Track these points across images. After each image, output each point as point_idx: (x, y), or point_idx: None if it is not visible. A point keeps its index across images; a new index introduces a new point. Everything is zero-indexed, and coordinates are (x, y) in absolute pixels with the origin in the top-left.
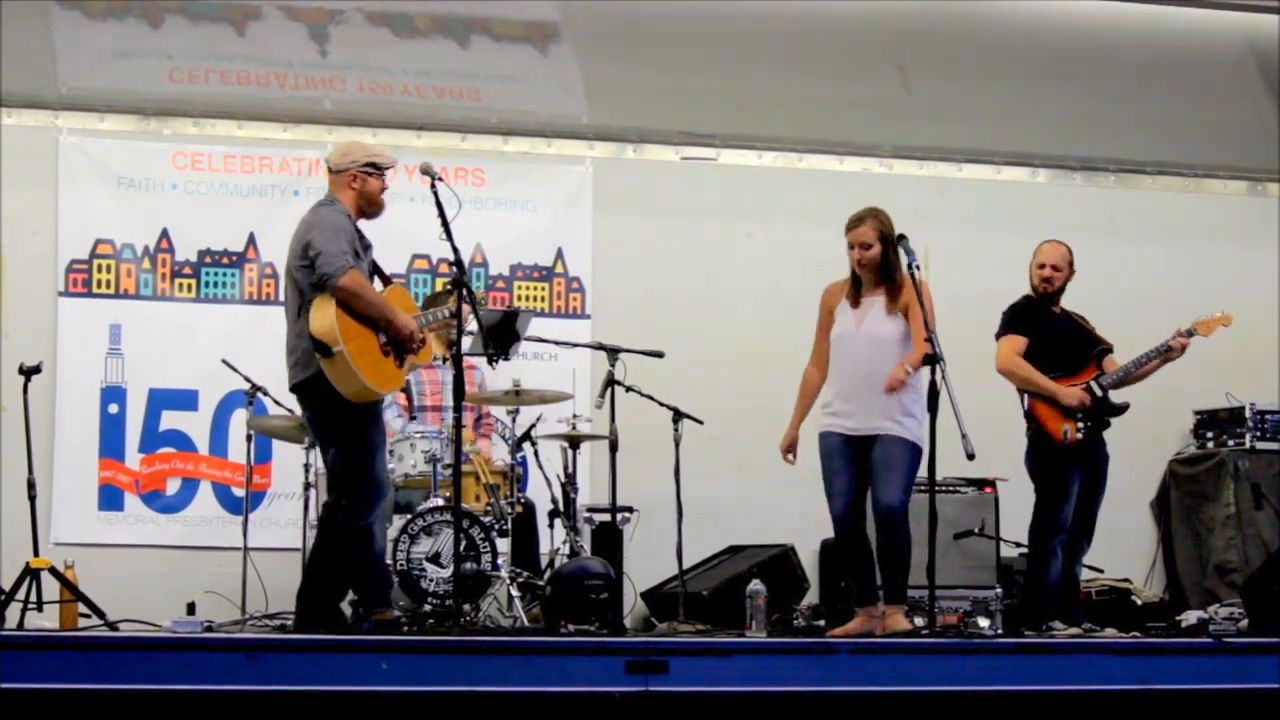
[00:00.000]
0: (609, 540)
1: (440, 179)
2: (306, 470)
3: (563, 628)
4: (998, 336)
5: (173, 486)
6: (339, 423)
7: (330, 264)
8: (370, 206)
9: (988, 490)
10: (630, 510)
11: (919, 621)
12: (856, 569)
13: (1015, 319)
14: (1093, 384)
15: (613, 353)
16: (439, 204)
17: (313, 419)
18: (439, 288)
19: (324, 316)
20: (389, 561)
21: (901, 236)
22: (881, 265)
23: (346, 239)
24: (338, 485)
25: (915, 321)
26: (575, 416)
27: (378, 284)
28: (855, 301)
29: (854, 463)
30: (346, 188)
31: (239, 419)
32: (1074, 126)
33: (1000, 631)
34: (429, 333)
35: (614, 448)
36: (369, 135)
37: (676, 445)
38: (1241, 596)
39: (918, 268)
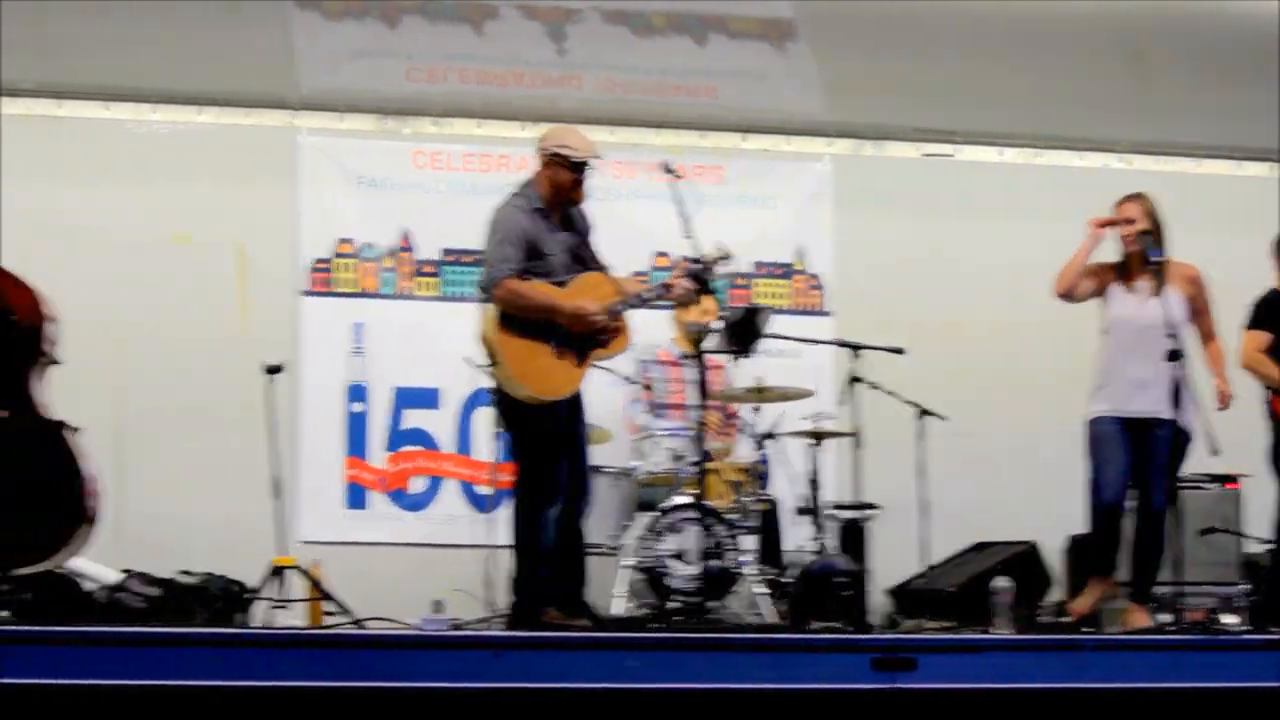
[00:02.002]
0: (853, 537)
1: (680, 176)
2: None
3: (809, 625)
4: (1245, 330)
5: (417, 485)
6: (511, 419)
7: (487, 274)
8: (560, 197)
9: (1232, 486)
10: (874, 507)
11: (1165, 618)
12: (1103, 547)
13: (1261, 314)
14: None
15: (854, 349)
16: (679, 202)
17: (494, 405)
18: (672, 278)
19: (487, 324)
20: (633, 559)
21: (1146, 232)
22: (1147, 248)
23: (515, 238)
24: (516, 477)
25: (1205, 318)
26: (818, 413)
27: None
28: (1128, 285)
29: (1128, 451)
30: (542, 171)
31: (483, 417)
32: None
33: (1247, 627)
34: (624, 320)
35: (857, 444)
36: (607, 133)
37: (920, 442)
38: None
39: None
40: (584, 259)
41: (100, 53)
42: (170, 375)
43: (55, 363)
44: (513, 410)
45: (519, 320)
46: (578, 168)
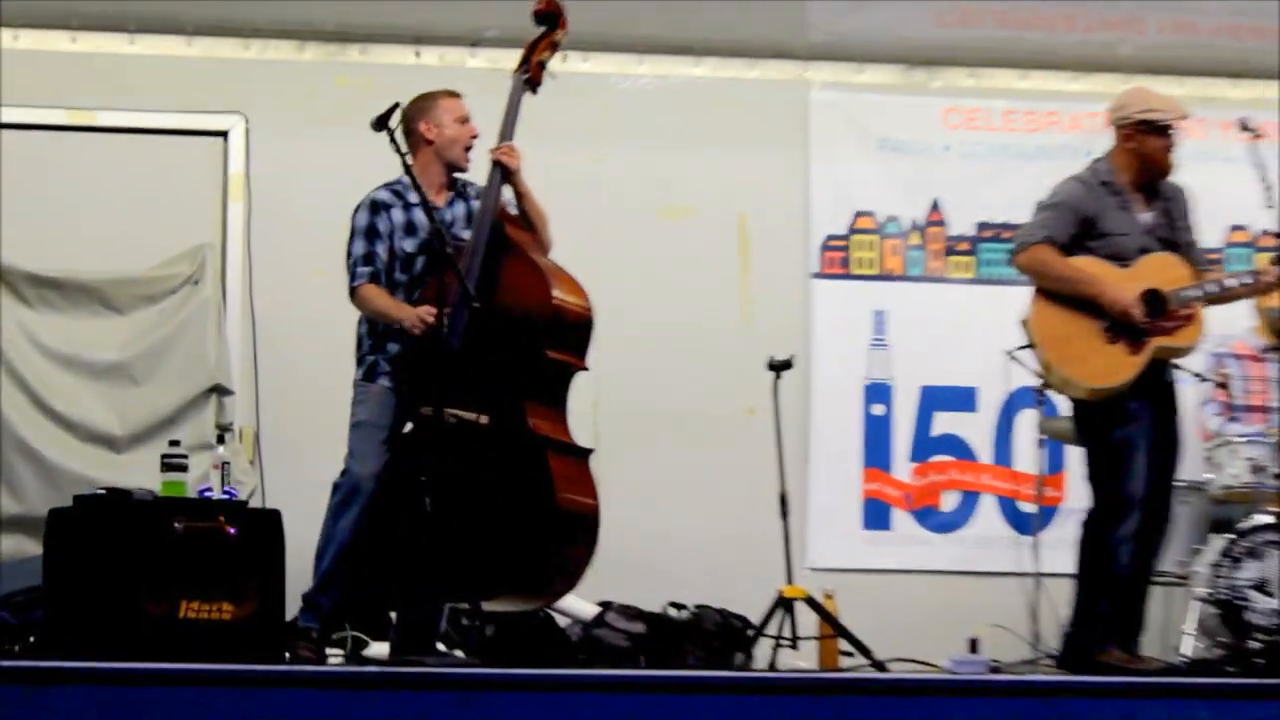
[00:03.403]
0: None
1: (1261, 136)
2: None
3: None
4: None
5: (949, 501)
6: (1081, 418)
7: (1018, 236)
8: (1152, 167)
9: None
10: None
11: None
12: None
13: None
14: None
15: None
16: (1259, 165)
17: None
18: (1262, 264)
19: (1029, 301)
20: (1206, 589)
21: None
22: None
23: (1064, 206)
24: (1089, 490)
25: None
26: None
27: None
28: None
29: None
30: (1121, 145)
31: (1026, 421)
32: None
33: None
34: (1198, 308)
35: None
36: (1174, 85)
37: None
38: None
39: None
40: (1172, 244)
41: None
42: (658, 369)
43: (572, 368)
44: (1079, 405)
45: (1062, 297)
46: (1164, 131)
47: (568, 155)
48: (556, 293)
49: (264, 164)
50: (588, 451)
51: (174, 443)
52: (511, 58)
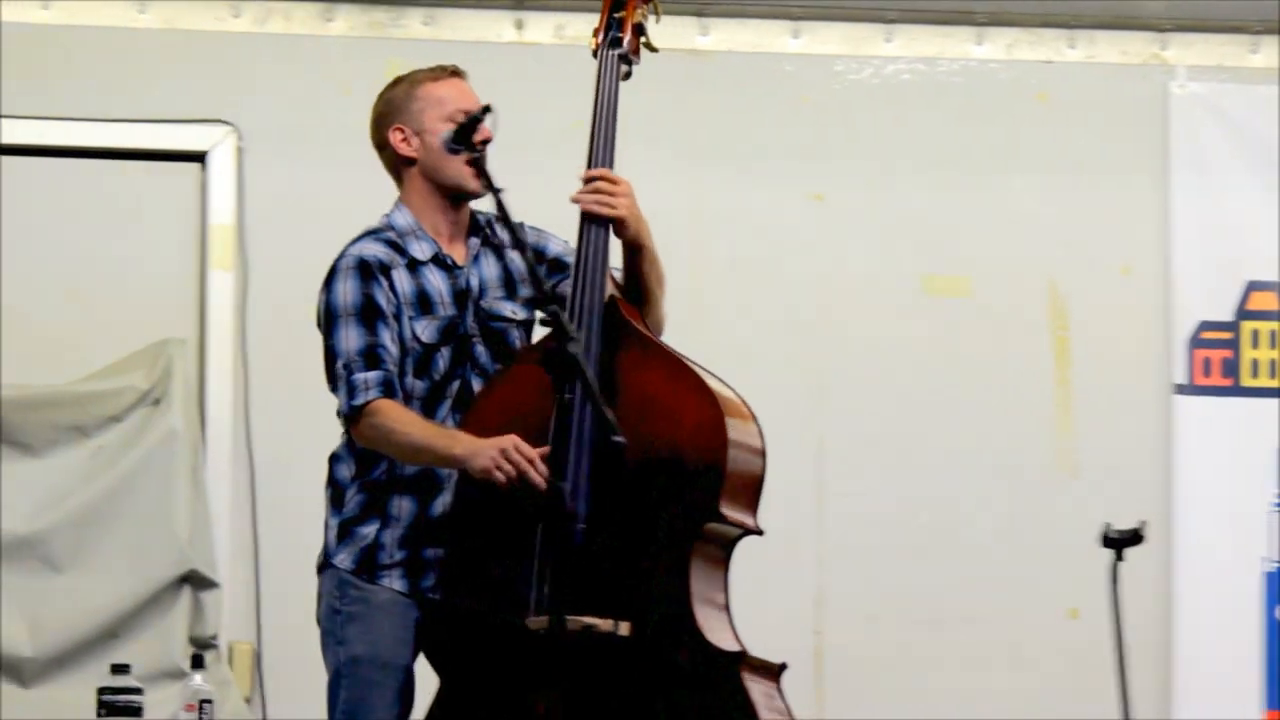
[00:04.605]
0: None
1: None
2: None
3: None
4: None
5: None
6: None
7: None
8: None
9: None
10: None
11: None
12: None
13: None
14: None
15: None
16: None
17: None
18: None
19: None
20: None
21: None
22: None
23: None
24: None
25: None
26: None
27: None
28: None
29: None
30: None
31: None
32: None
33: None
34: None
35: None
36: None
37: None
38: None
39: None
40: None
41: None
42: (919, 545)
43: (739, 534)
44: None
45: None
46: None
47: (772, 188)
48: (728, 420)
49: (265, 207)
50: (779, 668)
51: (119, 668)
52: (679, 30)
